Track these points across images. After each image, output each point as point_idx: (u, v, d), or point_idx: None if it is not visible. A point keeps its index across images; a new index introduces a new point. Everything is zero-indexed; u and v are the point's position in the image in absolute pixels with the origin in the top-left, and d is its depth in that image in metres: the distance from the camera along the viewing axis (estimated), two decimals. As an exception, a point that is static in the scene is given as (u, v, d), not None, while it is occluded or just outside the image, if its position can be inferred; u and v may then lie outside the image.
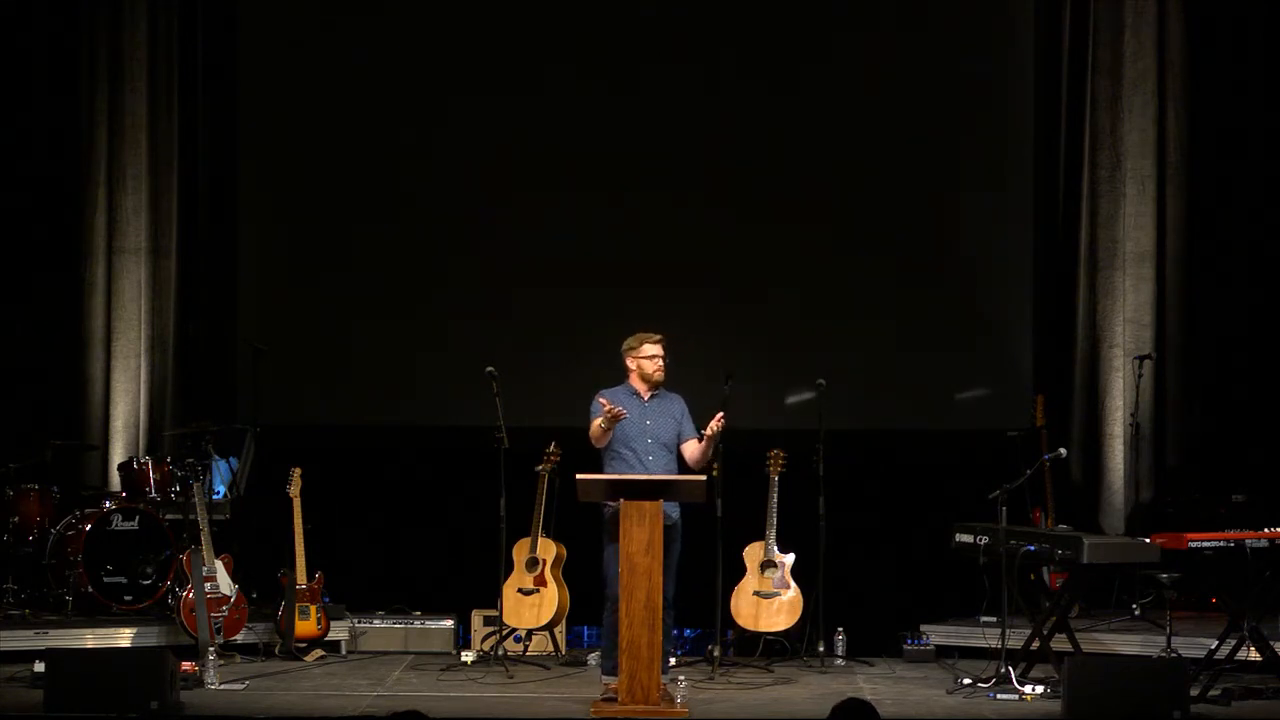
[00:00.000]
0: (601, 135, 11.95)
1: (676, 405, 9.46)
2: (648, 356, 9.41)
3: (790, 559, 10.30)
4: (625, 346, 9.48)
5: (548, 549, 10.38)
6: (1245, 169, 11.74)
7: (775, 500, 10.31)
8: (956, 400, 11.93)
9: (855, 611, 10.57)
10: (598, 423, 9.20)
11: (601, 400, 9.17)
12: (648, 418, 9.37)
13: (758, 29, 11.96)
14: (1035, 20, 11.94)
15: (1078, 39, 11.85)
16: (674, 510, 9.21)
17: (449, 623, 10.85)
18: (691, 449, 9.37)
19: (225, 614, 10.12)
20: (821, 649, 10.31)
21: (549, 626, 10.42)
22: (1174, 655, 9.43)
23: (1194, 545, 9.20)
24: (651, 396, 9.43)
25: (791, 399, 11.62)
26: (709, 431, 9.21)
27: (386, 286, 11.95)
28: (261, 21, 12.11)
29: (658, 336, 9.45)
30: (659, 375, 9.39)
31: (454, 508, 11.47)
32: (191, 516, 10.38)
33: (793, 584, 10.28)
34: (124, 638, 10.21)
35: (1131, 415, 11.49)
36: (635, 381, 9.43)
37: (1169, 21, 11.75)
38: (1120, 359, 11.71)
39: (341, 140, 12.01)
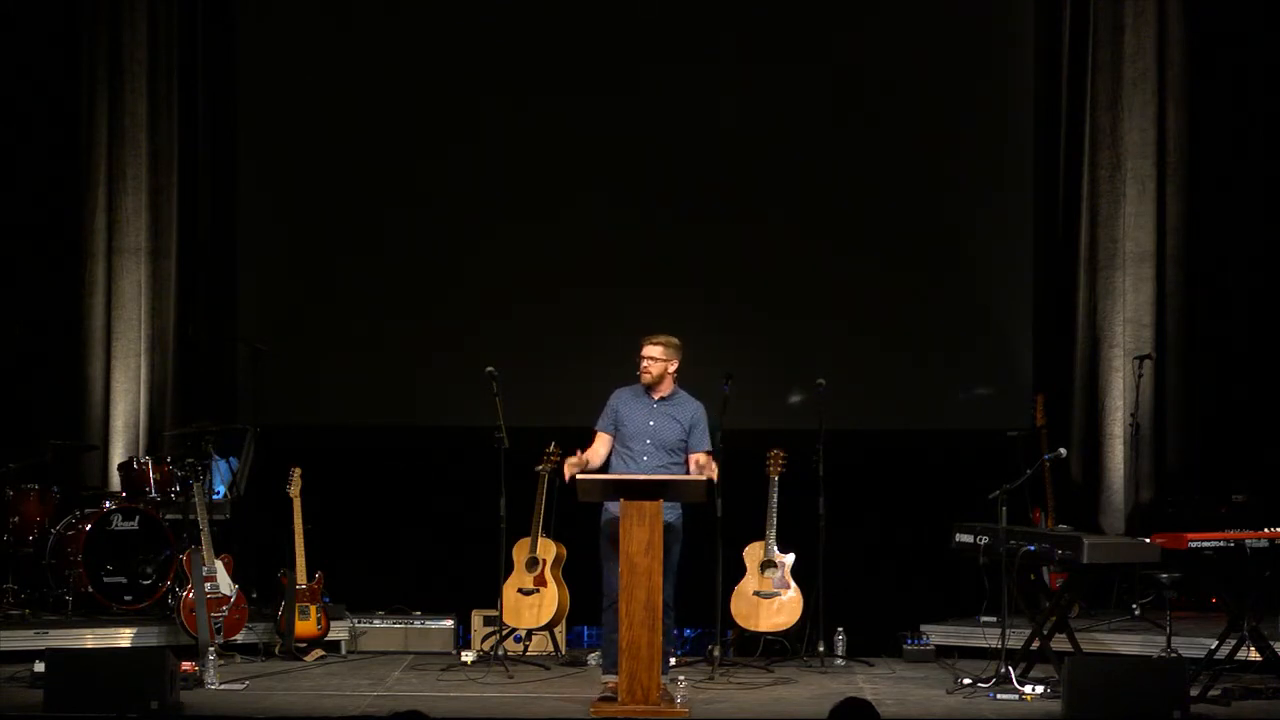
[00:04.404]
0: (601, 136, 11.94)
1: (686, 411, 9.46)
2: (639, 358, 9.47)
3: (790, 559, 10.30)
4: None
5: (548, 549, 10.37)
6: (1245, 168, 11.72)
7: (775, 500, 10.30)
8: (957, 400, 11.92)
9: (855, 611, 10.55)
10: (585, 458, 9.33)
11: (574, 460, 9.28)
12: (651, 419, 9.42)
13: (758, 29, 11.95)
14: (1035, 20, 11.93)
15: (1078, 39, 11.83)
16: (672, 512, 9.21)
17: (449, 623, 10.84)
18: (692, 463, 9.41)
19: (225, 614, 10.11)
20: (821, 649, 10.30)
21: (549, 626, 10.41)
22: (1174, 655, 9.42)
23: (1194, 545, 9.18)
24: (661, 399, 9.45)
25: (791, 399, 11.62)
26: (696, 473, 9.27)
27: (386, 286, 11.96)
28: (261, 21, 12.11)
29: (656, 339, 9.48)
30: (645, 378, 9.46)
31: (454, 508, 11.45)
32: (191, 516, 10.38)
33: (793, 584, 10.27)
34: (124, 638, 10.20)
35: (1131, 415, 11.48)
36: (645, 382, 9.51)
37: (1169, 21, 11.74)
38: (1120, 359, 11.70)
39: (341, 140, 12.01)
